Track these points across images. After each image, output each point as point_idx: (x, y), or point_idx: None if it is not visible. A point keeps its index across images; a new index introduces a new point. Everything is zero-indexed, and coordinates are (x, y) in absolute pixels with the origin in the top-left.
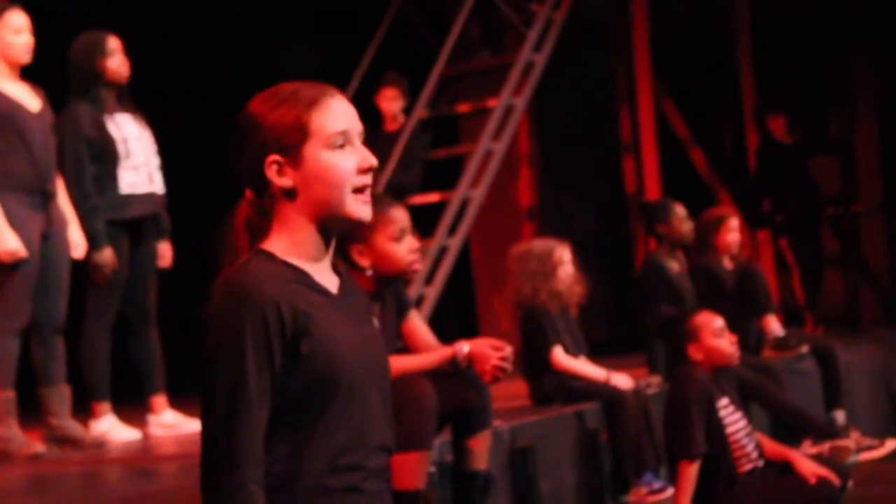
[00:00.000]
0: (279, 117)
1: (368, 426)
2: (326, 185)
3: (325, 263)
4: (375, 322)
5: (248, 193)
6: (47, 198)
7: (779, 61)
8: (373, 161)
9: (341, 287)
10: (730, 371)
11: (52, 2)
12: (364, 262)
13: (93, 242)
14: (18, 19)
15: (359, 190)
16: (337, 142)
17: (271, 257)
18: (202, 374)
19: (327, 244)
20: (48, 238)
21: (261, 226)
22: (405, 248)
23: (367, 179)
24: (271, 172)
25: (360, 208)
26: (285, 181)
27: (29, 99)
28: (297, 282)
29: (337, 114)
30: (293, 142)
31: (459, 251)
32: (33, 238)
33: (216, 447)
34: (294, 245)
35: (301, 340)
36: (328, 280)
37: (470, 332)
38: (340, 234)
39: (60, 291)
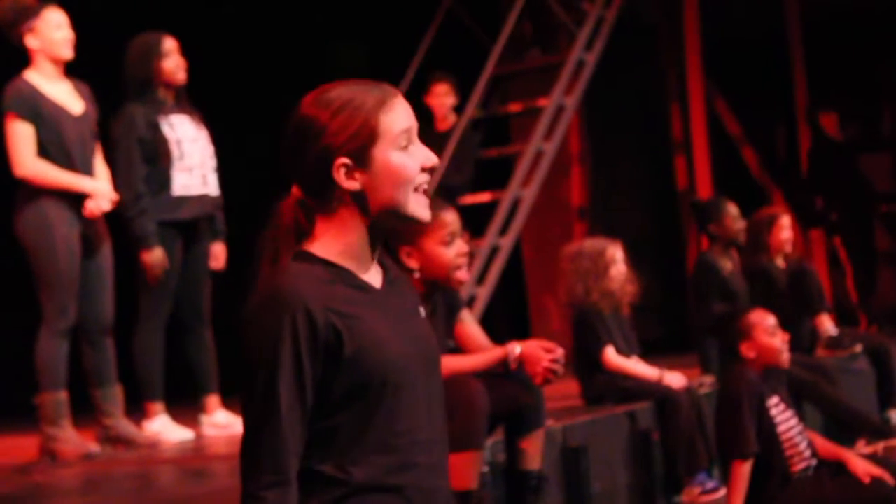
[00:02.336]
0: (346, 121)
1: (418, 422)
2: (394, 186)
3: (369, 260)
4: (422, 311)
5: (297, 192)
6: (86, 199)
7: (831, 58)
8: (434, 159)
9: (386, 281)
10: (781, 370)
11: (110, 3)
12: (412, 263)
13: (144, 243)
14: (57, 16)
15: (420, 188)
16: (402, 142)
17: (311, 257)
18: (241, 380)
19: (376, 243)
20: (88, 239)
21: (306, 227)
22: (454, 253)
23: (428, 178)
24: (339, 176)
25: (422, 207)
26: (353, 184)
27: (71, 100)
28: (336, 281)
29: (400, 113)
30: (362, 144)
31: (511, 251)
32: (73, 240)
33: (245, 452)
34: (339, 244)
35: (340, 344)
36: (372, 276)
37: (521, 332)
38: (392, 238)
39: (104, 291)
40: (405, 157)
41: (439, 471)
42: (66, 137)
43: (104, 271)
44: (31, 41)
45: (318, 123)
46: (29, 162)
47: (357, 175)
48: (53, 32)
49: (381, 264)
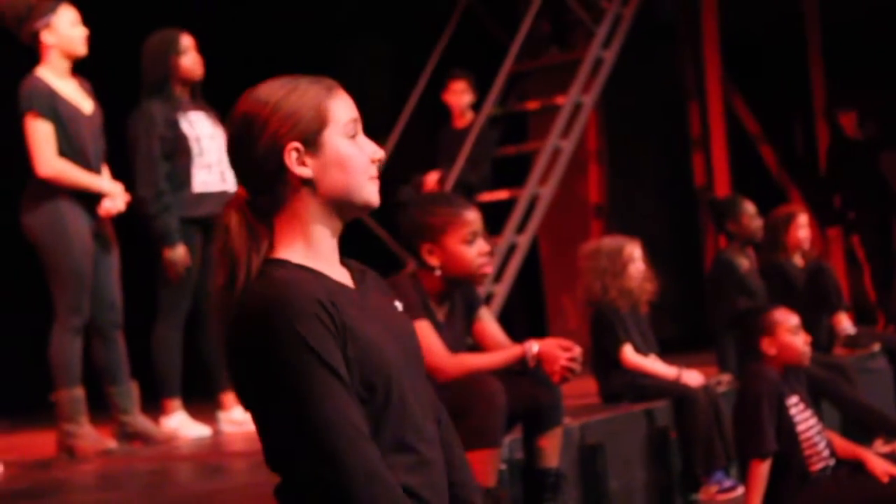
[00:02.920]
0: (295, 105)
1: (419, 419)
2: (346, 173)
3: (336, 260)
4: (398, 304)
5: (242, 193)
6: (98, 198)
7: (850, 56)
8: (381, 153)
9: (355, 280)
10: (800, 369)
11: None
12: (433, 261)
13: (165, 240)
14: (72, 13)
15: (373, 178)
16: (350, 131)
17: (285, 263)
18: (276, 413)
19: (334, 239)
20: (100, 237)
21: (259, 229)
22: (475, 251)
23: (376, 170)
24: (290, 161)
25: (373, 195)
26: (304, 170)
27: (82, 100)
28: (322, 284)
29: (348, 102)
30: (313, 128)
31: (528, 249)
32: (86, 237)
33: (342, 475)
34: (306, 246)
35: (345, 342)
36: (343, 277)
37: (538, 330)
38: (410, 233)
39: (115, 288)
40: (354, 146)
41: (443, 467)
42: (81, 136)
43: (114, 269)
44: (47, 37)
45: (265, 113)
46: (52, 161)
47: (308, 160)
48: (69, 29)
49: (344, 264)
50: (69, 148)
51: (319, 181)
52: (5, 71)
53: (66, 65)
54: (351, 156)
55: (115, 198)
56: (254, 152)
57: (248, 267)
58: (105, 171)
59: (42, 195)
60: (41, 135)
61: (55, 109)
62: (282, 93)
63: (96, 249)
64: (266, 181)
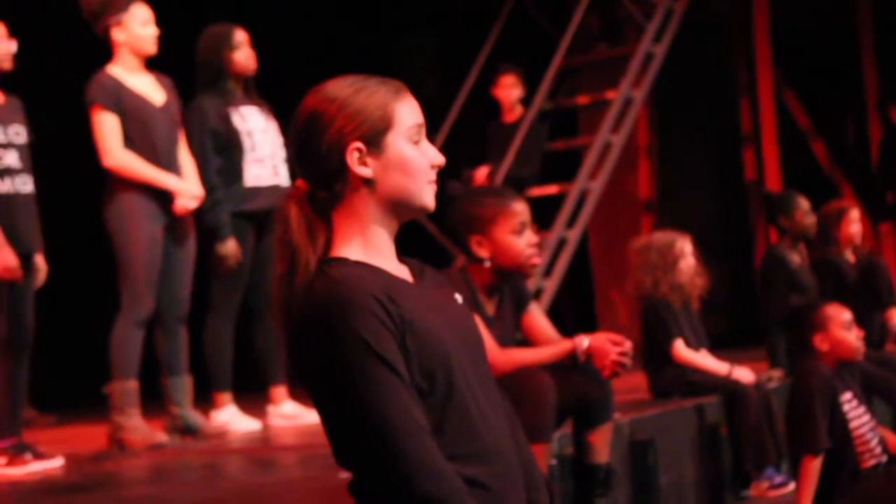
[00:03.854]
0: (362, 105)
1: (481, 405)
2: (406, 176)
3: (393, 257)
4: (458, 297)
5: (303, 184)
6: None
7: None
8: (442, 159)
9: (413, 275)
10: (853, 365)
11: None
12: (483, 253)
13: (217, 234)
14: (145, 11)
15: (431, 182)
16: (414, 136)
17: (343, 262)
18: (337, 410)
19: (391, 237)
20: (171, 229)
21: (317, 222)
22: (524, 242)
23: (434, 175)
24: (352, 160)
25: (433, 199)
26: (365, 170)
27: (153, 92)
28: (380, 280)
29: (414, 107)
30: (377, 129)
31: (578, 244)
32: (157, 232)
33: (403, 469)
34: (364, 244)
35: (404, 335)
36: (401, 272)
37: (588, 326)
38: (459, 225)
39: (183, 282)
40: (416, 151)
41: (512, 456)
42: (151, 128)
43: (186, 264)
44: (117, 34)
45: (331, 110)
46: (116, 152)
47: (369, 161)
48: (140, 28)
49: (402, 261)
50: (137, 140)
51: (379, 182)
52: (93, 65)
53: (136, 61)
54: (412, 160)
55: (184, 197)
56: (317, 148)
57: (307, 260)
58: (189, 164)
59: (116, 188)
60: (105, 126)
61: (120, 102)
62: (350, 91)
63: (168, 243)
64: (327, 177)
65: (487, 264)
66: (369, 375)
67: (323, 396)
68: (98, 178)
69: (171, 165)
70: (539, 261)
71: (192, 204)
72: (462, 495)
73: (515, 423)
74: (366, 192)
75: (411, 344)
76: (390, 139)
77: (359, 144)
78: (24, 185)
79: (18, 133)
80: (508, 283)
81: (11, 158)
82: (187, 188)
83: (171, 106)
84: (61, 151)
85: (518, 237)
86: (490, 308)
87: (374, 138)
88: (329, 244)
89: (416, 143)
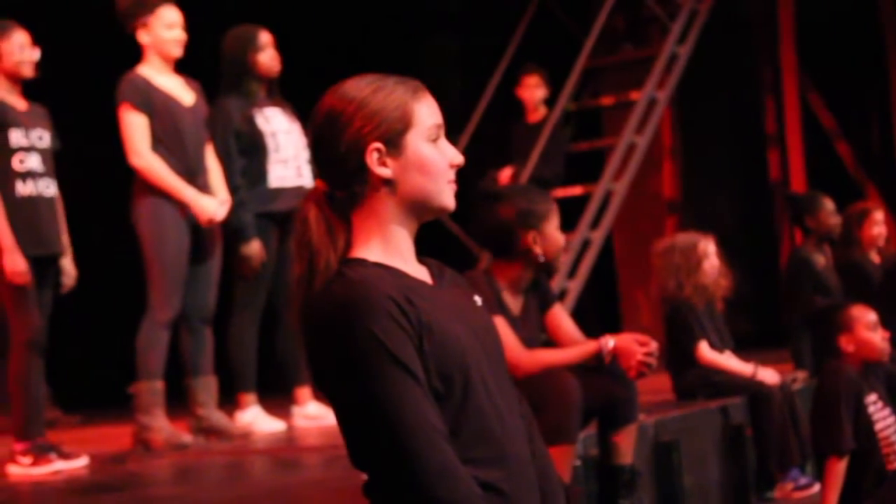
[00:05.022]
0: (381, 103)
1: (498, 409)
2: (425, 176)
3: (413, 257)
4: (477, 299)
5: (322, 185)
6: (198, 191)
7: None
8: (461, 159)
9: (433, 276)
10: (879, 366)
11: None
12: (538, 249)
13: (241, 235)
14: (171, 14)
15: (451, 183)
16: (433, 135)
17: (362, 263)
18: (352, 412)
19: (410, 237)
20: (198, 231)
21: (336, 223)
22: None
23: (454, 175)
24: (372, 161)
25: (452, 200)
26: (385, 171)
27: (182, 92)
28: (399, 282)
29: (432, 107)
30: (396, 129)
31: (602, 245)
32: (184, 231)
33: (417, 472)
34: (384, 245)
35: (421, 337)
36: (421, 274)
37: (612, 327)
38: (510, 223)
39: (210, 283)
40: (436, 150)
41: (528, 460)
42: (180, 128)
43: (212, 265)
44: (142, 36)
45: (349, 110)
46: (144, 152)
47: (389, 161)
48: (164, 31)
49: (422, 262)
50: (166, 139)
51: (399, 182)
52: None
53: (163, 63)
54: (432, 160)
55: (203, 213)
56: (336, 148)
57: (328, 260)
58: (216, 167)
59: (144, 189)
60: (133, 125)
61: (149, 102)
62: (368, 91)
63: (195, 245)
64: (346, 178)
65: (541, 259)
66: (385, 378)
67: (339, 398)
68: (125, 181)
69: (198, 166)
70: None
71: (220, 216)
72: (476, 499)
73: (533, 428)
74: (385, 192)
75: (428, 346)
76: (409, 139)
77: (378, 145)
78: (47, 188)
79: (41, 137)
80: (536, 282)
81: (34, 162)
82: (205, 204)
83: (200, 107)
84: (89, 155)
85: (559, 230)
86: (516, 308)
87: (394, 138)
88: (348, 245)
89: (435, 142)
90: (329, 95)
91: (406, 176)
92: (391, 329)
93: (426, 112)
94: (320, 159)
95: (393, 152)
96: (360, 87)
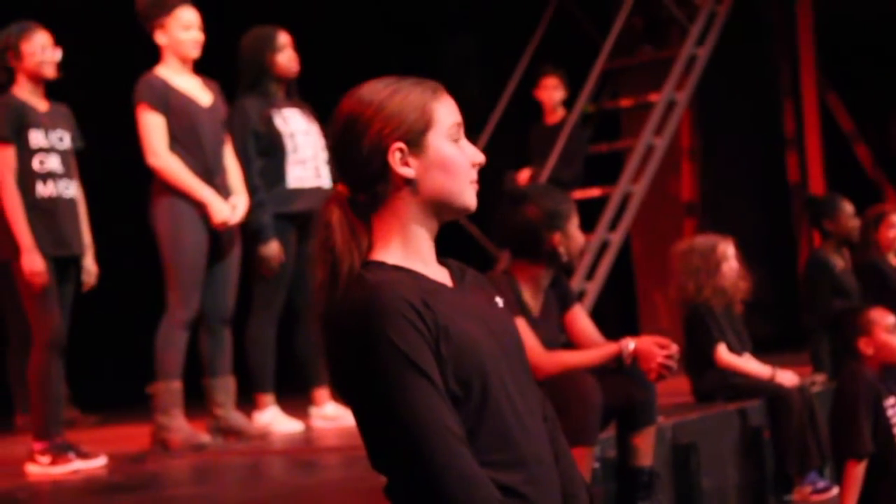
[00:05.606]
0: (400, 105)
1: (518, 411)
2: (448, 175)
3: (433, 259)
4: (499, 301)
5: (343, 190)
6: (215, 191)
7: None
8: (482, 157)
9: (453, 278)
10: None
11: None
12: (563, 249)
13: (259, 236)
14: (188, 15)
15: (473, 182)
16: (454, 134)
17: (382, 265)
18: (371, 415)
19: (431, 238)
20: (217, 232)
21: (359, 226)
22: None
23: (476, 174)
24: (394, 161)
25: (474, 199)
26: (407, 171)
27: (200, 93)
28: (417, 285)
29: (452, 106)
30: (418, 129)
31: (620, 247)
32: (202, 232)
33: (435, 476)
34: (404, 247)
35: (438, 341)
36: (441, 276)
37: (630, 329)
38: (537, 224)
39: (229, 284)
40: (457, 149)
41: (551, 463)
42: (197, 128)
43: (231, 266)
44: (159, 37)
45: (368, 113)
46: (161, 152)
47: (411, 161)
48: (181, 32)
49: (442, 263)
50: (184, 139)
51: (421, 182)
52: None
53: (180, 64)
54: (454, 159)
55: (218, 214)
56: (357, 152)
57: (351, 264)
58: (234, 167)
59: (163, 189)
60: (151, 125)
61: (167, 102)
62: (386, 93)
63: (214, 246)
64: (368, 180)
65: (566, 258)
66: (402, 382)
67: (357, 401)
68: (143, 181)
69: (216, 166)
70: None
71: (237, 218)
72: (495, 502)
73: (557, 429)
74: (407, 192)
75: (446, 350)
76: (431, 139)
77: (401, 145)
78: (67, 189)
79: (62, 139)
80: (555, 281)
81: (54, 163)
82: (219, 207)
83: (218, 108)
84: (111, 156)
85: (581, 232)
86: (536, 309)
87: (415, 138)
88: (369, 247)
89: (456, 141)
90: (346, 100)
91: (428, 175)
92: (409, 334)
93: (446, 111)
94: (342, 163)
95: (415, 152)
96: (377, 90)
